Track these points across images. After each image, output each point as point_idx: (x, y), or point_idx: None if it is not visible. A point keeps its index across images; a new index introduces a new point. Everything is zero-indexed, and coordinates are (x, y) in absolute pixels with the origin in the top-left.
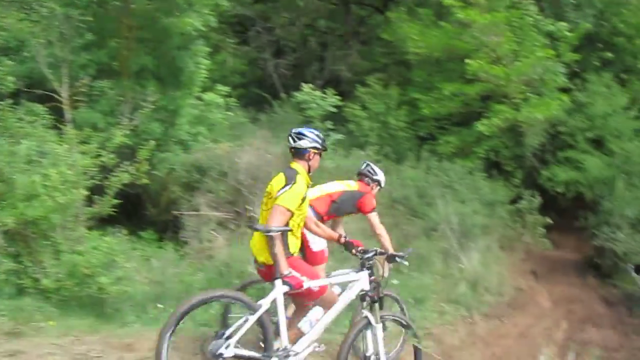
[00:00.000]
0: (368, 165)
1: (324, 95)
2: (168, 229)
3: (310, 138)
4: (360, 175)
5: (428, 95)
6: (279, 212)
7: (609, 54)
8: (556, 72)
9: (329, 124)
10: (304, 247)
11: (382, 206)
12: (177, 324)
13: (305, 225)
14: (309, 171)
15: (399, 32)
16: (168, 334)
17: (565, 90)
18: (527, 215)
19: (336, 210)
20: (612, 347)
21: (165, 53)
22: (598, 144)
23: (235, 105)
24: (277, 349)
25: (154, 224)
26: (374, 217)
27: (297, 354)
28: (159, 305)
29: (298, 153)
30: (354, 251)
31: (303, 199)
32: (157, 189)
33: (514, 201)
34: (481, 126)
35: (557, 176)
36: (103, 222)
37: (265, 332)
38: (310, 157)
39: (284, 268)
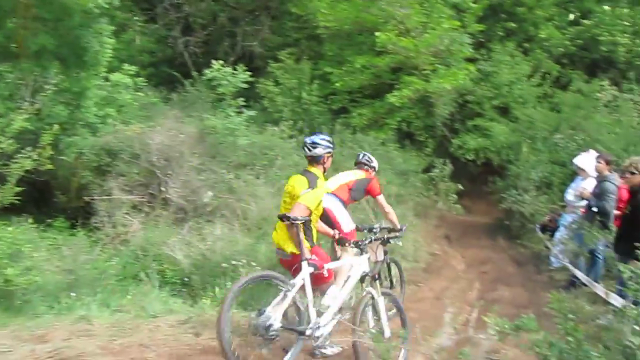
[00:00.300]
0: (365, 155)
1: (234, 72)
2: (80, 215)
3: (323, 145)
4: (360, 164)
5: (340, 68)
6: (302, 209)
7: (512, 24)
8: (462, 43)
9: (241, 101)
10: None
11: None
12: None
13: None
14: (324, 172)
15: (308, 6)
16: (228, 314)
17: (471, 60)
18: (439, 183)
19: (353, 197)
20: (522, 303)
21: (66, 32)
22: (504, 111)
23: (145, 85)
24: (309, 322)
25: (65, 212)
26: (382, 199)
27: (325, 325)
28: (72, 294)
29: (314, 160)
30: (347, 244)
31: (320, 202)
32: (65, 174)
33: (426, 170)
34: (392, 98)
35: (466, 144)
36: (7, 212)
37: (299, 307)
38: (325, 161)
39: (308, 253)
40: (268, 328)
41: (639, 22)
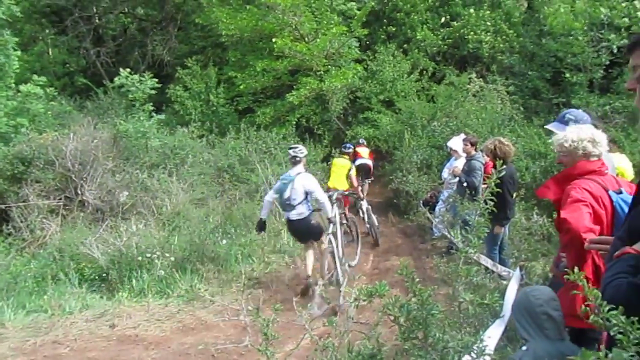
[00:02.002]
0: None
1: (142, 79)
2: None
3: (349, 145)
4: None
5: (243, 72)
6: (352, 176)
7: (392, 28)
8: (350, 46)
9: (150, 106)
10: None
11: (210, 176)
12: None
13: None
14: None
15: (211, 17)
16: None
17: (359, 61)
18: None
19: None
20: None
21: None
22: (389, 104)
23: (58, 95)
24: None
25: None
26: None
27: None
28: None
29: (345, 153)
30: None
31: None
32: None
33: (325, 159)
34: (291, 97)
35: (359, 134)
36: None
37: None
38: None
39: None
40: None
41: (499, 22)
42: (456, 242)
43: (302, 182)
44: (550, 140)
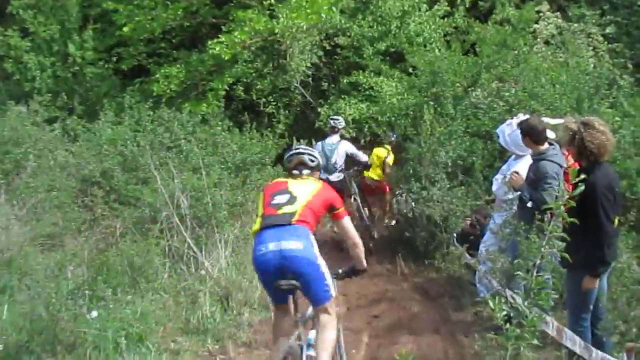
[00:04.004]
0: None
1: None
2: None
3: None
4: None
5: (129, 3)
6: (388, 165)
7: None
8: None
9: None
10: None
11: (69, 193)
12: None
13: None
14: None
15: None
16: None
17: None
18: None
19: None
20: None
21: None
22: (395, 58)
23: None
24: None
25: None
26: None
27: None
28: None
29: (381, 143)
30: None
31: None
32: None
33: (279, 159)
34: (217, 47)
35: (340, 112)
36: None
37: None
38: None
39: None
40: None
41: None
42: (518, 310)
43: (345, 148)
44: None
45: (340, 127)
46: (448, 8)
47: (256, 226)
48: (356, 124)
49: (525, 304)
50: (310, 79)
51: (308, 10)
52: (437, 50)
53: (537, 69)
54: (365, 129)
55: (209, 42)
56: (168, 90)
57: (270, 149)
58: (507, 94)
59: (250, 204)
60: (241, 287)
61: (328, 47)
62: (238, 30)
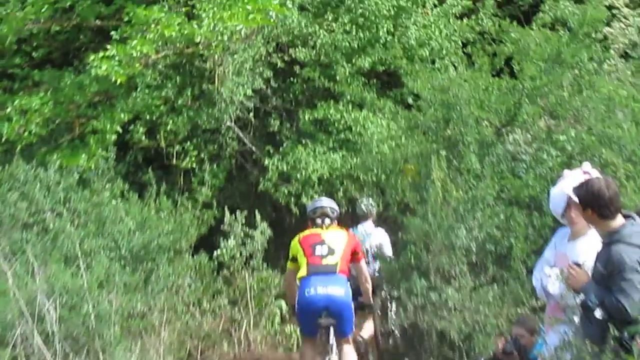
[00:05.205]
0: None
1: None
2: None
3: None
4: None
5: None
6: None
7: None
8: None
9: None
10: None
11: None
12: None
13: None
14: None
15: None
16: None
17: None
18: None
19: None
20: None
21: None
22: (385, 81)
23: None
24: None
25: None
26: None
27: None
28: None
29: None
30: None
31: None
32: None
33: (197, 249)
34: (106, 63)
35: (300, 165)
36: None
37: None
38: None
39: None
40: None
41: None
42: None
43: (380, 238)
44: None
45: (374, 212)
46: (469, 2)
47: (303, 272)
48: (324, 186)
49: None
50: (251, 114)
51: (248, 7)
52: (452, 69)
53: (610, 98)
54: (340, 193)
55: (91, 57)
56: (25, 134)
57: (188, 228)
58: (562, 137)
59: (157, 314)
60: None
61: (280, 64)
62: (137, 39)
